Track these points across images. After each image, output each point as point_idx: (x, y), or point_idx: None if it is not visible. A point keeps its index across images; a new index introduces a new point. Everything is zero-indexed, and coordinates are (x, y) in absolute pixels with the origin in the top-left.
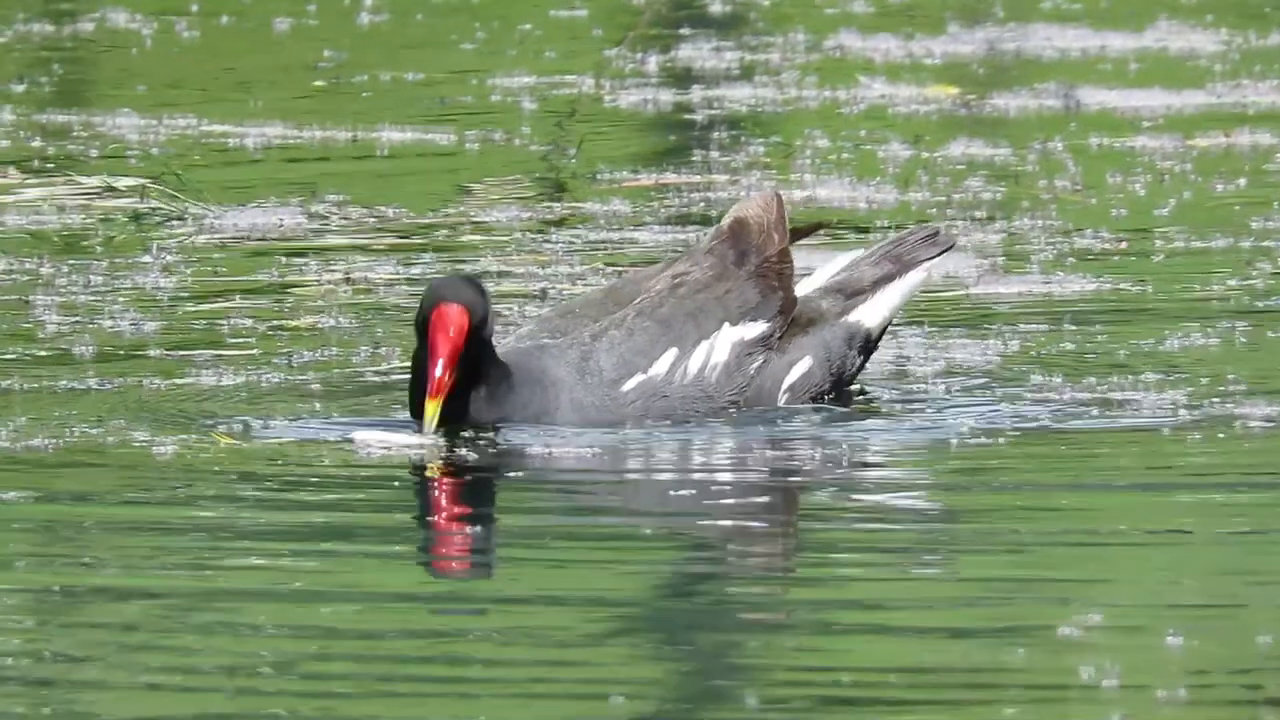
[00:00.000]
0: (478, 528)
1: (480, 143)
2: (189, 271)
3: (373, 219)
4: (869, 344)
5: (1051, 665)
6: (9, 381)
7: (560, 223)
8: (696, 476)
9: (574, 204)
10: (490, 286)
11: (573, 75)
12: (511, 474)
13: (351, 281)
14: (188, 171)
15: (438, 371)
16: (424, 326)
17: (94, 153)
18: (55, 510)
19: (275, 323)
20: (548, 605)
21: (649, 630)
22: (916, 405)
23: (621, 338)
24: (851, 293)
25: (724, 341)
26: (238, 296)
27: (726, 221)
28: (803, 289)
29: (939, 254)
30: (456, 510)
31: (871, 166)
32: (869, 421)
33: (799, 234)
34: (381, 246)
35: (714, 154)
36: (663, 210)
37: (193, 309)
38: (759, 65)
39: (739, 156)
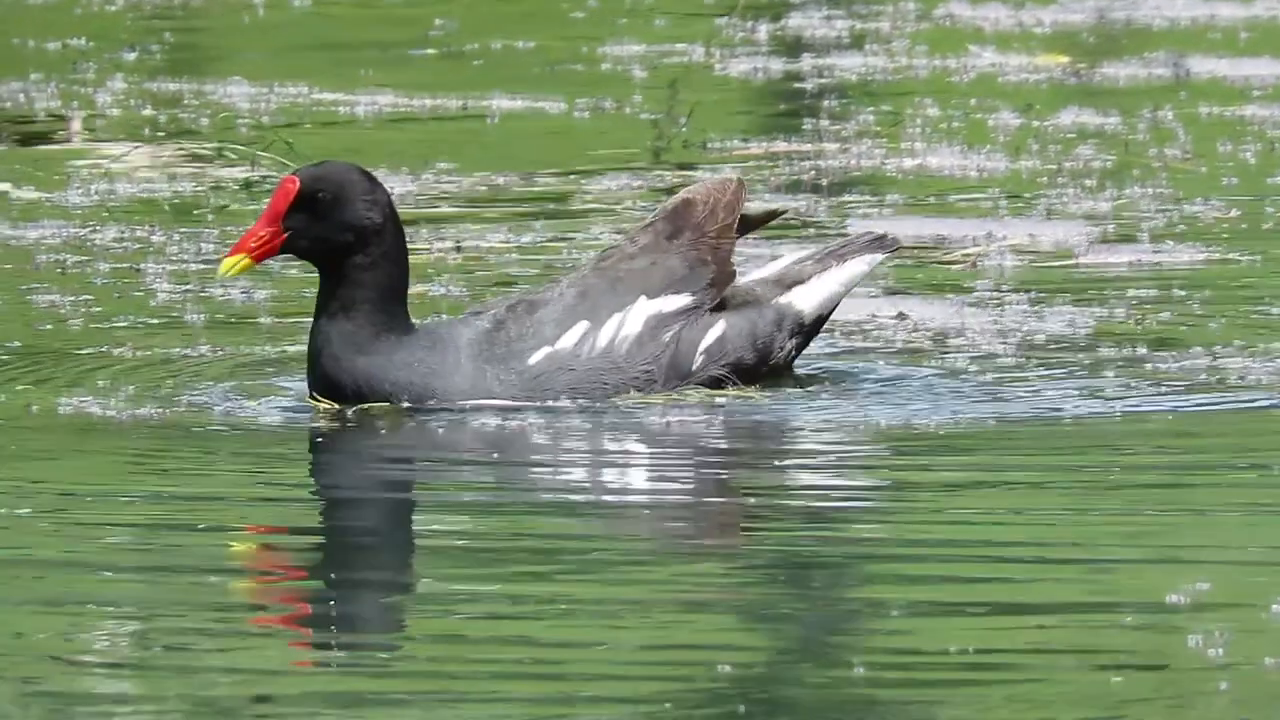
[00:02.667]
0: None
1: (591, 111)
2: None
3: (483, 187)
4: (802, 327)
5: (1160, 636)
6: (121, 349)
7: (670, 191)
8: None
9: (684, 172)
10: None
11: (683, 44)
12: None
13: (461, 250)
14: (298, 139)
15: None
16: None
17: (205, 121)
18: (163, 482)
19: None
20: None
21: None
22: (1022, 376)
23: (534, 308)
24: (790, 283)
25: (637, 314)
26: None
27: (672, 200)
28: (741, 282)
29: (884, 254)
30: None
31: (981, 135)
32: (979, 389)
33: (754, 222)
34: (492, 215)
35: (824, 123)
36: (773, 179)
37: (303, 277)
38: (869, 34)
39: (849, 125)
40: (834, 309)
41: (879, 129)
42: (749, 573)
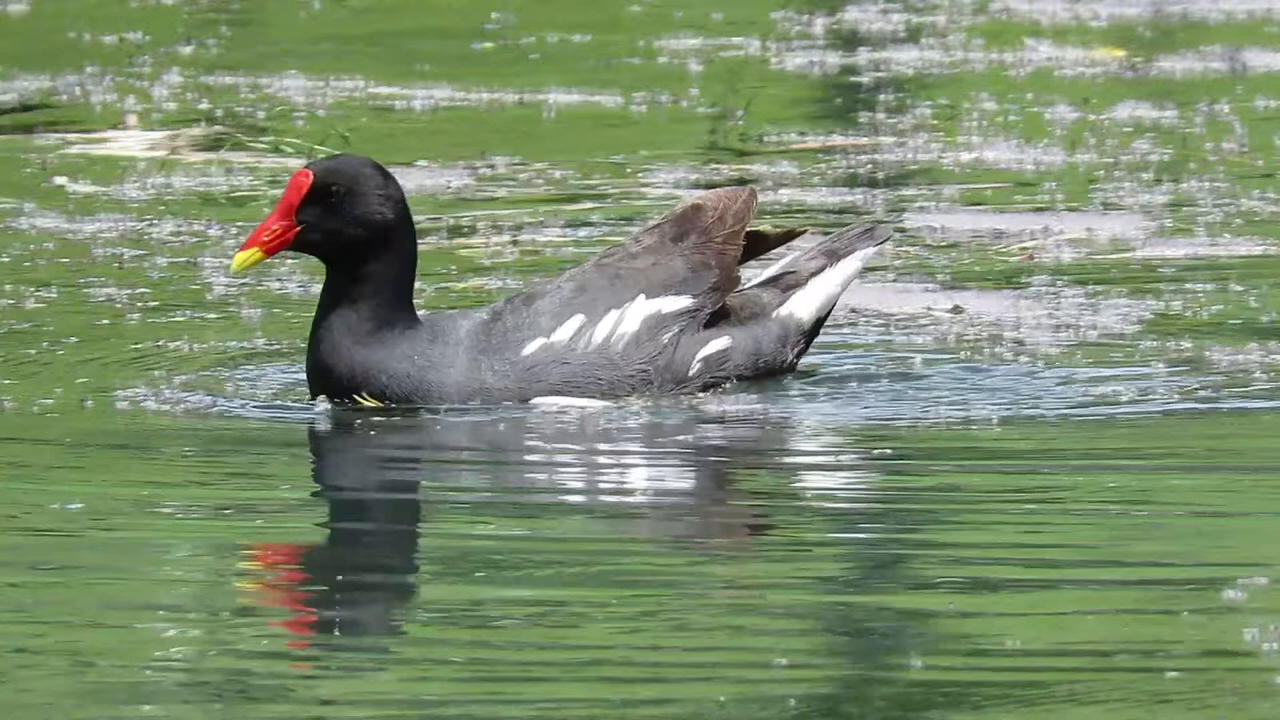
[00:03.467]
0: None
1: (647, 104)
2: None
3: (540, 180)
4: (803, 335)
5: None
6: (177, 343)
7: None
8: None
9: (741, 166)
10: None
11: (740, 37)
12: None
13: (518, 243)
14: (354, 133)
15: (270, 218)
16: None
17: (261, 115)
18: (220, 472)
19: (442, 284)
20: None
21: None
22: (1076, 369)
23: (531, 300)
24: (787, 285)
25: (636, 312)
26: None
27: (681, 205)
28: (745, 284)
29: (874, 247)
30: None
31: (1038, 129)
32: (1033, 383)
33: (772, 242)
34: (549, 208)
35: (880, 116)
36: (830, 172)
37: None
38: (925, 27)
39: (905, 119)
40: (833, 308)
41: (935, 123)
42: (781, 571)
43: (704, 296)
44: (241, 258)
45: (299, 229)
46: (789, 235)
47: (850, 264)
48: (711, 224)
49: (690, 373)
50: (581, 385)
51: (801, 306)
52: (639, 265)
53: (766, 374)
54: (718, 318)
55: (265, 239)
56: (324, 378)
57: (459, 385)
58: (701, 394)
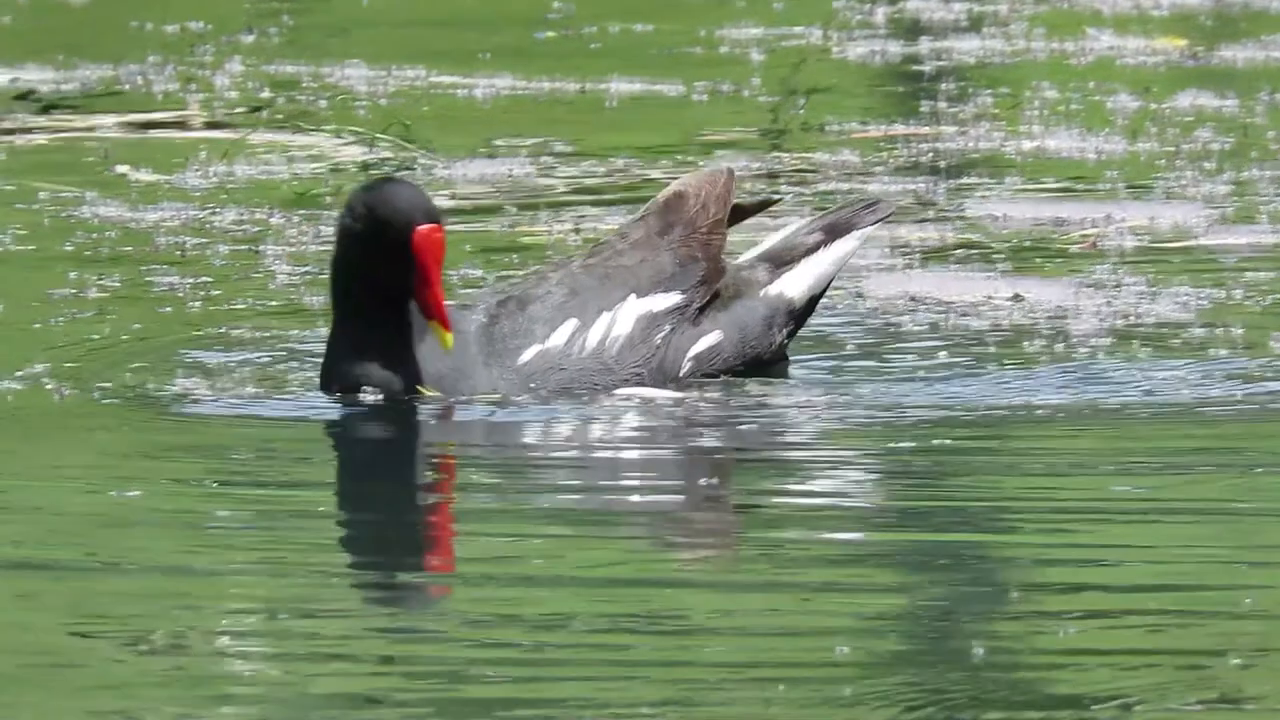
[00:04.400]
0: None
1: (709, 93)
2: None
3: (602, 169)
4: (792, 315)
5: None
6: (239, 331)
7: (789, 173)
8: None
9: (802, 154)
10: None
11: (801, 26)
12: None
13: (580, 231)
14: (416, 122)
15: (439, 290)
16: (398, 245)
17: (323, 103)
18: (276, 463)
19: (504, 273)
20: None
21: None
22: (1138, 358)
23: (524, 305)
24: (781, 262)
25: (627, 313)
26: (466, 246)
27: (664, 194)
28: (741, 257)
29: (875, 223)
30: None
31: (1100, 118)
32: (1092, 372)
33: (747, 211)
34: (610, 197)
35: (942, 105)
36: (891, 161)
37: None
38: (987, 16)
39: (967, 108)
40: (826, 289)
41: (997, 111)
42: (863, 558)
43: (693, 291)
44: (448, 339)
45: None
46: (764, 204)
47: (847, 243)
48: (695, 213)
49: (681, 372)
50: (578, 390)
51: (792, 286)
52: (627, 263)
53: (756, 361)
54: (706, 308)
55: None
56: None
57: (474, 389)
58: (709, 387)
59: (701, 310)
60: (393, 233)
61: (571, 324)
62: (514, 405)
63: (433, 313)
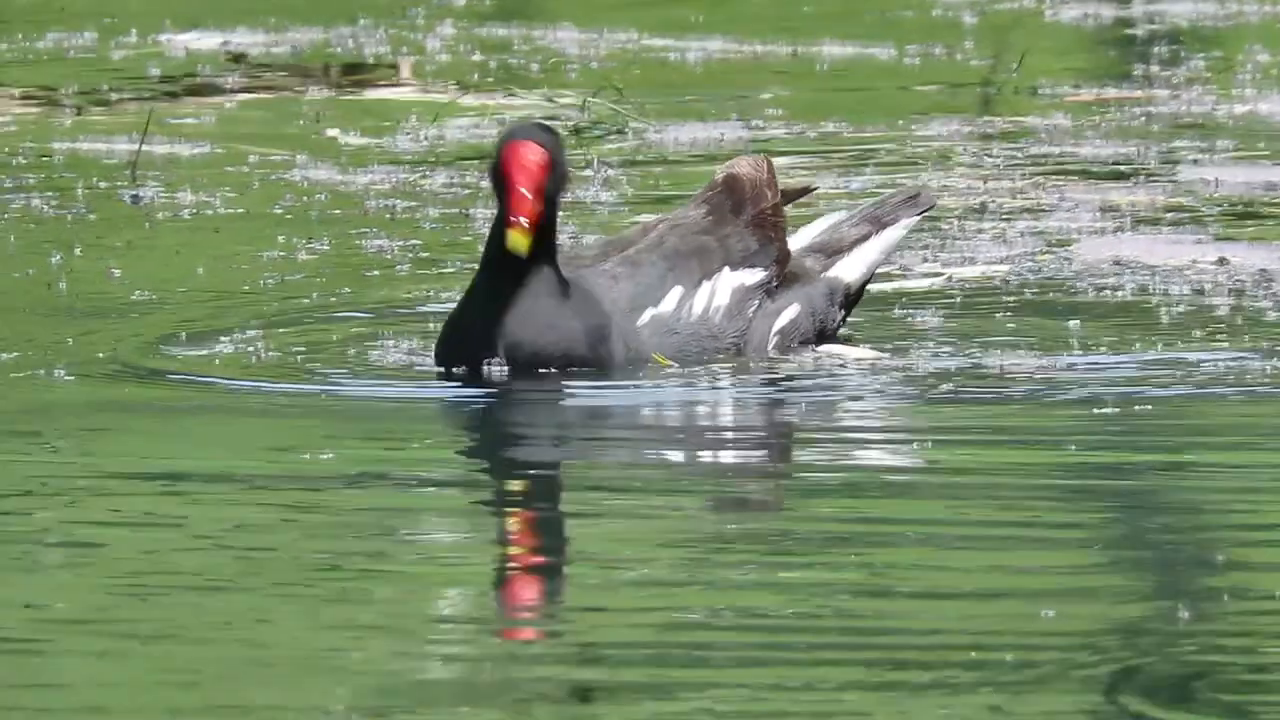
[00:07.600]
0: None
1: (921, 57)
2: (629, 185)
3: (813, 133)
4: (849, 298)
5: None
6: (449, 292)
7: (1001, 137)
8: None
9: (1015, 118)
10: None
11: None
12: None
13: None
14: (627, 85)
15: (523, 192)
16: (498, 170)
17: (534, 67)
18: (475, 430)
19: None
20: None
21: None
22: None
23: (630, 272)
24: (832, 252)
25: (725, 284)
26: (677, 210)
27: (720, 175)
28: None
29: (919, 214)
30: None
31: None
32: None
33: (787, 196)
34: (821, 160)
35: (1154, 69)
36: (1103, 125)
37: (632, 222)
38: None
39: (1179, 71)
40: (873, 275)
41: (1209, 75)
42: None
43: (771, 269)
44: (521, 243)
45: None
46: (802, 191)
47: (894, 232)
48: (756, 195)
49: (769, 347)
50: (688, 354)
51: (848, 271)
52: (716, 236)
53: (821, 338)
54: (779, 286)
55: (530, 212)
56: (536, 355)
57: (622, 355)
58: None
59: (776, 289)
60: (495, 155)
61: (678, 290)
62: (739, 376)
63: (508, 218)
